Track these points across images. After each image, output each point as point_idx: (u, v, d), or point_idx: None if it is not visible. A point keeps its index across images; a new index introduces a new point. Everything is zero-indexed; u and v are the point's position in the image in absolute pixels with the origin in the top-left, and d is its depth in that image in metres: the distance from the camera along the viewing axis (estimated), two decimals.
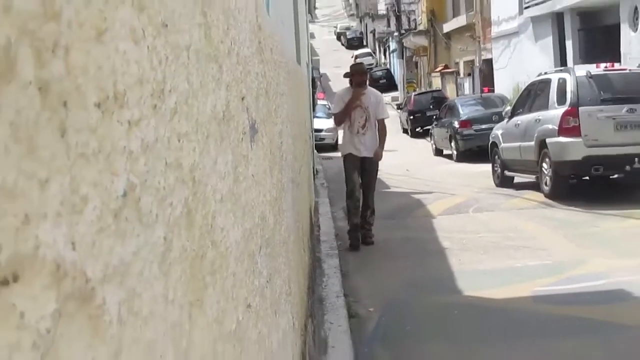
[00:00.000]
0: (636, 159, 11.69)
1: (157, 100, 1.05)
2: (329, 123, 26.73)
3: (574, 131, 11.97)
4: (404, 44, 44.11)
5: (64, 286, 0.66)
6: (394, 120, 35.52)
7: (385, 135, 10.01)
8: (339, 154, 27.70)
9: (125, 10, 0.91)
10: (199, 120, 1.36)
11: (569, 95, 12.31)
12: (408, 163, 18.81)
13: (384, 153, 9.90)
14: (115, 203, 0.83)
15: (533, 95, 13.85)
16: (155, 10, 1.07)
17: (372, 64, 52.74)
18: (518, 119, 14.02)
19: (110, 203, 0.81)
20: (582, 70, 12.94)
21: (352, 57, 56.75)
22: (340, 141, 29.91)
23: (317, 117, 22.91)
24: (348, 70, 10.19)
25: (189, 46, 1.31)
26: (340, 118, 9.72)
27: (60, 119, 0.69)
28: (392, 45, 49.10)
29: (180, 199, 1.16)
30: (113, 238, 0.81)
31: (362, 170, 9.43)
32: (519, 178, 14.33)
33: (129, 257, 0.86)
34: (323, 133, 24.58)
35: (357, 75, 9.87)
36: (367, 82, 10.41)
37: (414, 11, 43.59)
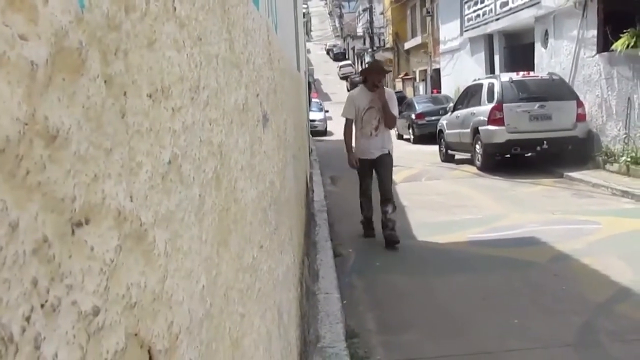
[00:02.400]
0: (544, 142, 11.72)
1: (194, 94, 1.04)
2: (321, 115, 26.71)
3: (499, 121, 11.99)
4: (376, 57, 43.91)
5: (123, 228, 0.66)
6: None
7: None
8: (328, 138, 27.67)
9: (170, 26, 0.90)
10: (225, 110, 1.34)
11: (496, 95, 12.31)
12: None
13: None
14: (163, 168, 0.82)
15: (469, 95, 13.83)
16: (193, 27, 1.05)
17: (352, 72, 52.43)
18: (458, 113, 14.00)
19: (159, 168, 0.80)
20: (506, 76, 12.93)
21: (337, 67, 56.36)
22: (328, 127, 29.61)
23: (312, 110, 22.96)
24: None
25: (218, 55, 1.29)
26: (346, 141, 7.07)
27: (121, 104, 0.68)
28: (367, 58, 48.78)
29: (211, 167, 1.16)
30: (161, 193, 0.80)
31: (377, 166, 6.93)
32: (458, 155, 14.35)
33: (173, 208, 0.85)
34: (316, 122, 24.56)
35: (376, 74, 6.92)
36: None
37: (383, 33, 43.28)
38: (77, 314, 0.54)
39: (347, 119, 7.07)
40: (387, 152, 6.98)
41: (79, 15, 0.57)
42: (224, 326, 1.18)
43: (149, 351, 0.71)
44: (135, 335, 0.68)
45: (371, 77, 6.89)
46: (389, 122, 6.92)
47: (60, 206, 0.52)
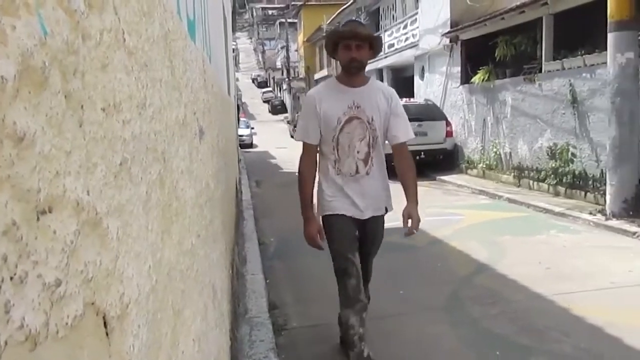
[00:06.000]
0: (422, 152, 12.12)
1: (141, 110, 1.02)
2: (247, 131, 26.58)
3: None
4: (291, 85, 43.95)
5: (81, 216, 0.64)
6: (285, 130, 35.44)
7: (414, 174, 3.25)
8: (253, 150, 27.34)
9: (120, 54, 0.88)
10: (167, 124, 1.32)
11: None
12: (295, 155, 18.82)
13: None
14: (115, 169, 0.80)
15: None
16: (140, 56, 1.03)
17: (273, 97, 52.14)
18: None
19: (112, 168, 0.78)
20: None
21: (261, 93, 56.01)
22: (253, 141, 29.29)
23: (240, 127, 22.97)
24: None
25: (161, 79, 1.27)
26: (302, 190, 2.88)
27: (79, 115, 0.66)
28: (284, 86, 48.75)
29: (156, 170, 1.14)
30: (114, 189, 0.78)
31: (365, 234, 3.17)
32: None
33: (123, 202, 0.83)
34: (243, 137, 24.56)
35: (355, 44, 2.63)
36: (365, 67, 2.79)
37: (297, 66, 43.46)
38: (42, 285, 0.52)
39: (304, 145, 2.95)
40: (384, 211, 3.28)
41: (42, 40, 0.55)
42: (167, 299, 1.16)
43: (103, 317, 0.70)
44: (92, 304, 0.66)
45: (346, 50, 2.73)
46: (414, 181, 3.19)
47: (27, 196, 0.51)
